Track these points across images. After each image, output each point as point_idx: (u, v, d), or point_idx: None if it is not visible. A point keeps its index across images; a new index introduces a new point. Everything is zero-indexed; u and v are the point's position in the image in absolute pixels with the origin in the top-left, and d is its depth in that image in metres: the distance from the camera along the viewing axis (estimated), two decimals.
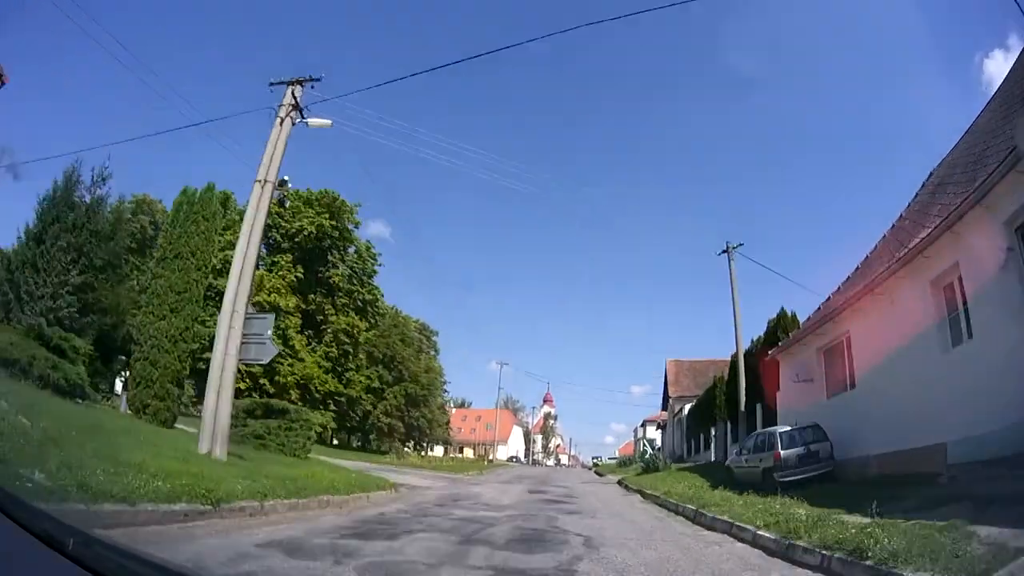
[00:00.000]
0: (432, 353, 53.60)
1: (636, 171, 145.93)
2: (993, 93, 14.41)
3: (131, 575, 1.78)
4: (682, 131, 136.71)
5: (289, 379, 35.31)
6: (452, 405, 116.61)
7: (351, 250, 41.62)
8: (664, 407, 47.46)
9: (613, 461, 76.81)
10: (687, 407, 36.05)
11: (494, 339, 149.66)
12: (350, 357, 38.84)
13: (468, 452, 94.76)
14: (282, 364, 35.49)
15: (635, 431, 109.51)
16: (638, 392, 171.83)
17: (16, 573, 1.58)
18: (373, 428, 41.18)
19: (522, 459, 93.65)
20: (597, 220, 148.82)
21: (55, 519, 1.94)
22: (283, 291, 36.10)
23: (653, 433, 66.36)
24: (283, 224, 39.06)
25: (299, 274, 37.77)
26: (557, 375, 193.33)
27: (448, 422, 70.08)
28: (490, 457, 60.06)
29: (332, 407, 37.81)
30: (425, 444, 44.87)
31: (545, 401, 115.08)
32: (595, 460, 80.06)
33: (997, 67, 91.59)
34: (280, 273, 37.03)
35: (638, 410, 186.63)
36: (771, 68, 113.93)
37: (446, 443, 72.12)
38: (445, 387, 68.74)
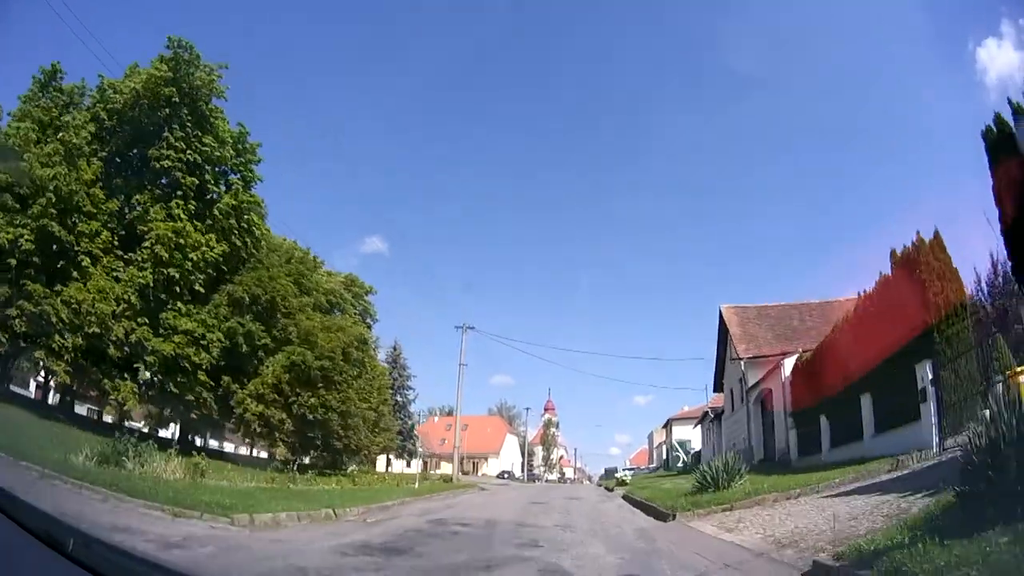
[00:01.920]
0: (368, 322, 36.86)
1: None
2: None
3: (131, 575, 1.81)
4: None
5: (59, 311, 18.78)
6: (436, 414, 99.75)
7: (209, 134, 25.07)
8: (717, 386, 30.64)
9: (629, 473, 58.30)
10: (788, 365, 19.32)
11: (495, 351, 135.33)
12: (179, 288, 22.11)
13: (446, 467, 77.20)
14: (52, 294, 18.97)
15: (650, 436, 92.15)
16: (641, 403, 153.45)
17: (16, 573, 1.58)
18: (242, 421, 24.42)
19: (517, 474, 76.00)
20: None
21: (55, 519, 1.96)
22: (57, 159, 19.81)
23: (687, 433, 49.28)
24: (112, 97, 23.27)
25: (82, 133, 21.50)
26: (558, 384, 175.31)
27: (413, 428, 52.98)
28: (447, 473, 42.71)
29: (145, 371, 21.18)
30: (341, 454, 27.89)
31: (546, 409, 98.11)
32: (618, 475, 45.16)
33: (990, 55, 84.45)
34: (64, 136, 20.73)
35: (643, 421, 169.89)
36: (768, 66, 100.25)
37: (411, 455, 54.66)
38: (408, 381, 52.07)
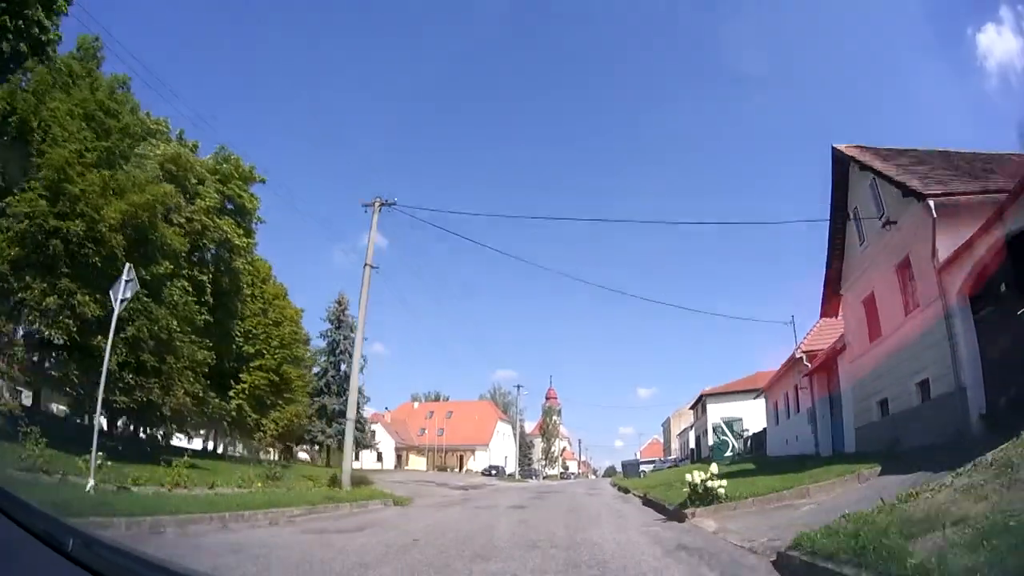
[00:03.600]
0: (254, 226, 24.13)
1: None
2: None
3: (131, 575, 1.76)
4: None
5: None
6: (418, 399, 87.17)
7: None
8: (826, 304, 17.82)
9: (650, 467, 44.93)
10: None
11: (496, 344, 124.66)
12: None
13: (418, 463, 64.30)
14: None
15: (665, 424, 79.53)
16: (645, 395, 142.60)
17: (16, 573, 1.54)
18: None
19: (511, 470, 63.15)
20: None
21: (55, 519, 1.90)
22: None
23: (732, 411, 36.47)
24: None
25: None
26: (559, 374, 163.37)
27: (360, 407, 40.12)
28: (419, 468, 30.12)
29: None
30: (155, 424, 15.50)
31: (547, 398, 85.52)
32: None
33: (990, 40, 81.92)
34: None
35: (647, 415, 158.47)
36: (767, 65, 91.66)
37: (359, 445, 41.80)
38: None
